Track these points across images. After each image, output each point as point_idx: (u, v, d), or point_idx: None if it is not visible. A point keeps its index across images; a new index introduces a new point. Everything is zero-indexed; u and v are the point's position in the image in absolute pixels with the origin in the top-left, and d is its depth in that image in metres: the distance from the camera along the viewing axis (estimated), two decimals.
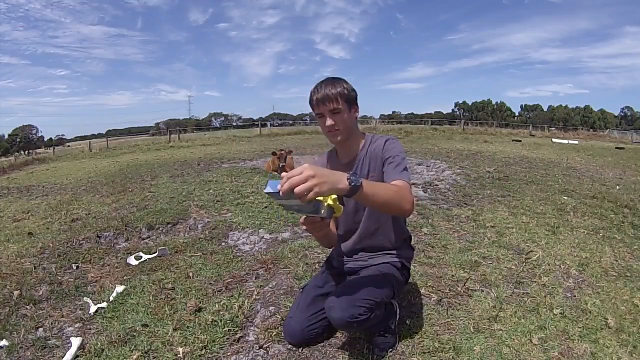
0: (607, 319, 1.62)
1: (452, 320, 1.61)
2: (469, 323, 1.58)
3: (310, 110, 1.41)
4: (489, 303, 1.73)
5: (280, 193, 0.93)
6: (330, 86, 1.33)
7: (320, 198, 1.04)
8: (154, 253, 2.50)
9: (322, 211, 1.07)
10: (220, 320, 1.63)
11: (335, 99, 1.32)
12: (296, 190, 0.91)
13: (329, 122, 1.34)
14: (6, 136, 58.21)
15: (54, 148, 24.46)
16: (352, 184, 1.00)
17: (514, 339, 1.47)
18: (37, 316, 1.79)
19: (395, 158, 1.35)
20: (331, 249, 1.69)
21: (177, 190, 4.21)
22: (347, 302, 1.26)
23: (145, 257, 2.46)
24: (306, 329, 1.44)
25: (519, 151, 9.18)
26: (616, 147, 13.07)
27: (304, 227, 1.22)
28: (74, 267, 2.37)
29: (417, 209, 3.32)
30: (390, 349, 1.42)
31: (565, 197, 3.84)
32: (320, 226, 1.25)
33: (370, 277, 1.41)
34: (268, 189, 0.99)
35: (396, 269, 1.48)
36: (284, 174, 0.96)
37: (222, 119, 75.70)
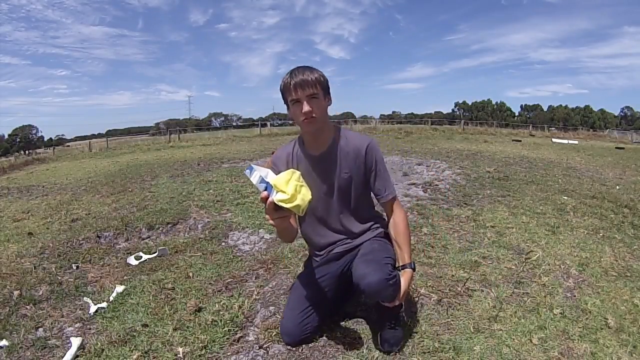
0: (607, 319, 1.62)
1: (452, 320, 1.61)
2: (469, 323, 1.58)
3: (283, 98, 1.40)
4: (489, 303, 1.73)
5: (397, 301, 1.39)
6: (308, 72, 1.33)
7: (273, 184, 1.15)
8: (154, 253, 2.50)
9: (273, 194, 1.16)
10: (220, 320, 1.63)
11: (314, 84, 1.32)
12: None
13: (306, 107, 1.32)
14: (6, 136, 58.19)
15: (54, 148, 24.42)
16: (414, 269, 1.46)
17: (514, 339, 1.47)
18: (37, 316, 1.79)
19: (381, 168, 1.47)
20: (309, 249, 1.70)
21: (177, 190, 4.21)
22: (376, 264, 1.30)
23: (145, 257, 2.46)
24: (300, 324, 1.44)
25: (519, 151, 9.18)
26: (616, 147, 13.06)
27: (269, 219, 1.19)
28: (74, 267, 2.37)
29: (417, 209, 3.32)
30: (398, 345, 1.41)
31: (565, 197, 3.84)
32: (283, 217, 1.21)
33: (373, 244, 1.46)
34: (246, 173, 1.22)
35: (382, 238, 1.53)
36: None
37: (222, 119, 75.63)
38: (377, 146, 1.46)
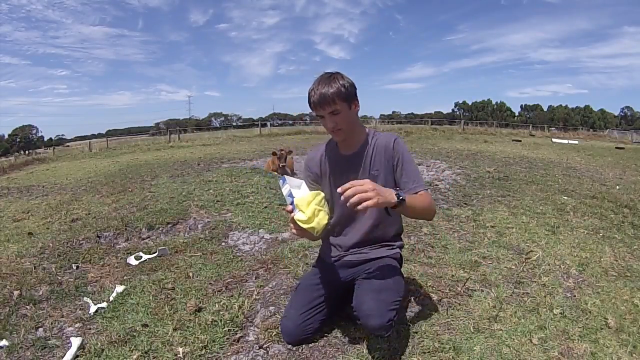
0: (607, 319, 1.62)
1: (452, 320, 1.61)
2: (469, 323, 1.58)
3: (310, 111, 1.43)
4: (489, 303, 1.73)
5: (342, 197, 1.11)
6: (327, 87, 1.31)
7: (298, 204, 1.23)
8: (154, 253, 2.50)
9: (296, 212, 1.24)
10: (220, 320, 1.63)
11: (332, 101, 1.31)
12: (360, 197, 1.09)
13: (329, 124, 1.36)
14: (6, 136, 58.22)
15: (54, 148, 24.38)
16: (400, 197, 1.20)
17: (514, 339, 1.47)
18: (37, 316, 1.79)
19: (411, 163, 1.44)
20: (322, 246, 1.71)
21: (177, 190, 4.21)
22: (383, 307, 1.28)
23: (145, 257, 2.46)
24: (301, 325, 1.45)
25: (519, 151, 9.17)
26: (616, 147, 13.05)
27: (292, 228, 1.29)
28: (74, 267, 2.37)
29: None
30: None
31: (565, 197, 3.84)
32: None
33: (387, 276, 1.44)
34: (281, 183, 1.28)
35: (397, 261, 1.57)
36: (349, 183, 1.12)
37: (222, 119, 75.61)
38: (403, 142, 1.49)
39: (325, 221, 1.23)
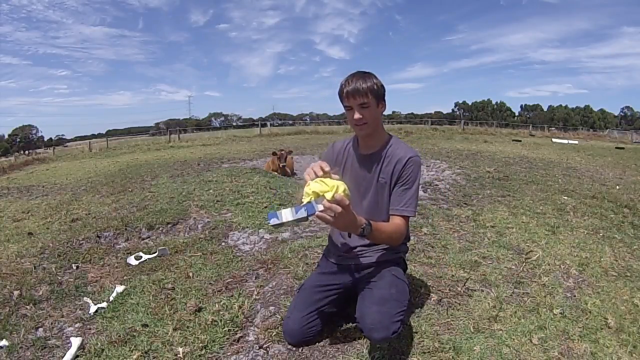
0: (607, 319, 1.62)
1: (452, 320, 1.61)
2: (469, 323, 1.58)
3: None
4: (489, 303, 1.73)
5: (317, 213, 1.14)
6: (361, 80, 1.38)
7: (310, 195, 1.19)
8: (154, 253, 2.50)
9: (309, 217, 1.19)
10: (220, 320, 1.64)
11: (365, 94, 1.37)
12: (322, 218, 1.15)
13: (357, 115, 1.39)
14: (6, 136, 58.25)
15: (54, 148, 24.37)
16: (363, 234, 1.28)
17: (514, 339, 1.47)
18: (37, 316, 1.80)
19: (411, 184, 1.44)
20: (327, 245, 1.71)
21: (177, 190, 4.21)
22: (387, 320, 1.28)
23: (145, 257, 2.46)
24: (304, 327, 1.45)
25: (519, 151, 9.17)
26: (616, 147, 13.06)
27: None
28: (74, 267, 2.37)
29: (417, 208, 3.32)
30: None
31: (565, 197, 3.84)
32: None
33: (391, 285, 1.42)
34: (273, 221, 1.17)
35: (401, 268, 1.56)
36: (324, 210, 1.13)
37: (222, 119, 75.65)
38: (419, 163, 1.46)
39: (344, 184, 1.20)
